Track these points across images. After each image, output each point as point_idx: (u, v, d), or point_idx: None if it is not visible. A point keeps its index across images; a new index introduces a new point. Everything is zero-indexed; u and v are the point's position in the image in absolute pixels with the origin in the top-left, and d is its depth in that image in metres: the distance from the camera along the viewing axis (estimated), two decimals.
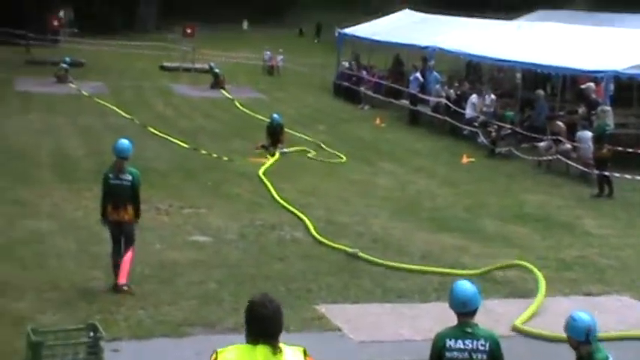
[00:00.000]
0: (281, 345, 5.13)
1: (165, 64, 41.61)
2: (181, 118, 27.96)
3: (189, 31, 40.57)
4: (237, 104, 31.72)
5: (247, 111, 29.97)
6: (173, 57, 42.10)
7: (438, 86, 30.08)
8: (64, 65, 34.01)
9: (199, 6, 59.71)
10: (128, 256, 11.66)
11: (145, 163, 19.66)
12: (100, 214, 11.98)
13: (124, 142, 11.84)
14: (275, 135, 23.31)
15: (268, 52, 44.86)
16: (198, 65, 39.21)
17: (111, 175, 11.73)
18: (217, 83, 35.74)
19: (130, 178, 11.72)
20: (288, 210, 16.65)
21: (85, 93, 31.05)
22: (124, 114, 27.31)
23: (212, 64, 37.62)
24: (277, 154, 22.40)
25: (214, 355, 5.12)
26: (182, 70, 39.74)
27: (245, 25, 64.52)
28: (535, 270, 12.73)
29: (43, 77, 33.61)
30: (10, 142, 21.02)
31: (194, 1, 61.39)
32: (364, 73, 35.27)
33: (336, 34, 39.39)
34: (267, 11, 68.08)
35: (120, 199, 11.71)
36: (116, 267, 11.65)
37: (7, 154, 19.31)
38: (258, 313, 5.14)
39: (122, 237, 11.73)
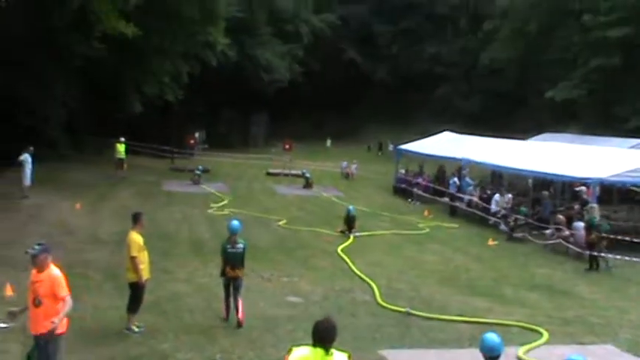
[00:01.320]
0: (332, 350, 5.71)
1: (270, 170, 42.26)
2: (281, 209, 28.29)
3: (287, 146, 41.40)
4: (335, 199, 32.20)
5: (342, 202, 30.16)
6: (275, 165, 42.80)
7: (470, 188, 29.98)
8: (198, 172, 34.73)
9: (295, 127, 61.14)
10: (241, 302, 12.38)
11: (254, 242, 19.95)
12: (220, 273, 12.64)
13: (235, 223, 12.77)
14: (350, 222, 23.44)
15: (345, 163, 45.22)
16: (294, 171, 39.80)
17: (228, 246, 12.50)
18: (308, 184, 36.16)
19: (241, 247, 12.51)
20: (360, 278, 16.68)
21: (212, 191, 31.67)
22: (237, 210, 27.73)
23: (304, 171, 38.06)
24: (352, 237, 22.51)
25: (290, 348, 5.79)
26: (282, 175, 40.36)
27: (329, 142, 65.28)
28: (539, 329, 12.66)
29: (183, 180, 34.54)
30: (158, 227, 21.46)
31: (291, 123, 62.92)
32: (420, 179, 35.25)
33: (390, 148, 39.50)
34: (345, 132, 69.09)
35: (235, 262, 12.42)
36: (228, 307, 12.47)
37: (157, 236, 19.70)
38: (319, 325, 5.82)
39: (232, 288, 12.43)
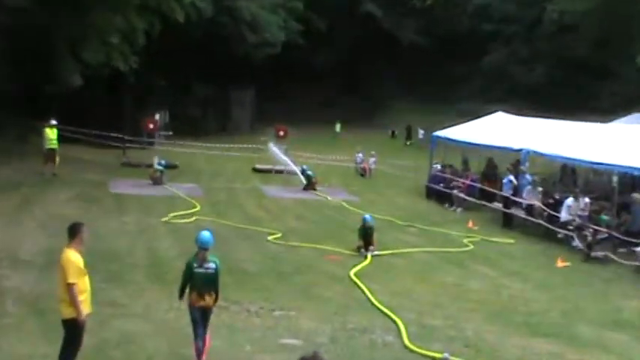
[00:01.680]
0: None
1: (258, 166, 42.28)
2: (273, 219, 28.26)
3: (281, 133, 41.36)
4: (345, 205, 32.28)
5: (356, 209, 30.23)
6: (265, 159, 42.84)
7: (530, 188, 29.89)
8: (159, 167, 34.74)
9: (291, 108, 61.16)
10: (209, 339, 12.67)
11: (237, 265, 20.03)
12: (179, 296, 12.85)
13: (206, 234, 12.78)
14: (367, 237, 23.41)
15: (360, 155, 45.30)
16: (290, 167, 39.76)
17: (195, 264, 12.58)
18: (309, 185, 36.18)
19: (213, 266, 12.65)
20: (381, 312, 16.64)
21: (180, 194, 31.68)
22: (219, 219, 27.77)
23: (304, 167, 38.08)
24: (369, 257, 22.46)
25: None
26: (274, 172, 40.33)
27: (338, 127, 65.29)
28: None
29: (139, 179, 34.52)
30: (105, 244, 21.42)
31: (286, 102, 62.94)
32: (463, 177, 35.19)
33: (421, 136, 39.49)
34: (360, 114, 69.07)
35: (204, 287, 12.55)
36: (199, 355, 12.43)
37: (101, 255, 19.70)
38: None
39: (203, 320, 12.59)
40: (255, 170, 41.80)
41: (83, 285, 11.41)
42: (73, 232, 11.55)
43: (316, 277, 19.99)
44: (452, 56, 71.42)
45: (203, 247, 12.61)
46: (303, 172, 37.42)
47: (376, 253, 22.94)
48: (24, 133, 38.24)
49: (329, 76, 70.35)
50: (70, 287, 11.20)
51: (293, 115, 55.63)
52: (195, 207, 28.90)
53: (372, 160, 44.86)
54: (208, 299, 12.58)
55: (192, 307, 12.63)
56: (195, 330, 12.61)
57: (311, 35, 66.08)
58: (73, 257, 11.32)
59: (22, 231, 22.67)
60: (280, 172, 39.68)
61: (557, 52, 64.68)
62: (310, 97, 69.63)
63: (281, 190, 35.91)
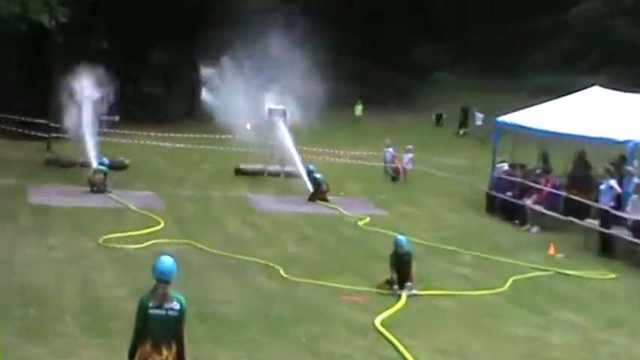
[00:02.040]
0: None
1: (242, 166, 42.30)
2: (265, 242, 28.24)
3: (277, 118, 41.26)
4: (369, 222, 32.38)
5: (384, 231, 30.22)
6: (253, 156, 42.84)
7: (636, 197, 29.77)
8: (101, 168, 34.72)
9: (290, 83, 60.97)
10: None
11: (213, 308, 19.99)
12: (129, 355, 12.43)
13: (167, 261, 12.48)
14: (402, 267, 23.23)
15: (390, 150, 45.20)
16: (288, 167, 39.77)
17: (150, 304, 12.26)
18: (318, 193, 36.14)
19: (177, 307, 12.35)
20: None
21: (131, 207, 31.71)
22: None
23: (311, 167, 38.03)
24: (404, 297, 22.34)
25: None
26: (266, 175, 40.34)
27: (359, 109, 65.43)
28: None
29: (71, 184, 34.52)
30: (21, 279, 21.38)
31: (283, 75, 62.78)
32: (542, 180, 35.06)
33: (479, 122, 39.38)
34: (390, 92, 69.19)
35: (164, 335, 12.32)
36: None
37: (18, 296, 19.66)
38: None
39: None
40: (240, 172, 41.82)
41: None
42: None
43: (327, 326, 19.89)
44: (524, 11, 71.46)
45: (163, 279, 12.33)
46: (308, 174, 37.39)
47: (414, 292, 22.83)
48: None
49: (347, 40, 70.39)
50: None
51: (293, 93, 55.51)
52: (158, 223, 29.01)
53: (408, 157, 44.81)
54: (166, 353, 12.36)
55: None
56: None
57: None
58: None
59: None
60: (276, 174, 39.71)
61: None
62: (320, 69, 69.68)
63: (277, 200, 35.92)
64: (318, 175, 37.31)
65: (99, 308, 19.91)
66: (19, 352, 15.95)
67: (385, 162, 45.58)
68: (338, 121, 60.34)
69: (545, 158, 37.62)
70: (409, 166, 44.67)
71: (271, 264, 24.99)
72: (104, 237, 26.68)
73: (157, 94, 58.63)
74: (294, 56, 63.38)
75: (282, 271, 24.27)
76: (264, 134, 42.25)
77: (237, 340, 18.10)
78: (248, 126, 43.20)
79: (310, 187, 37.00)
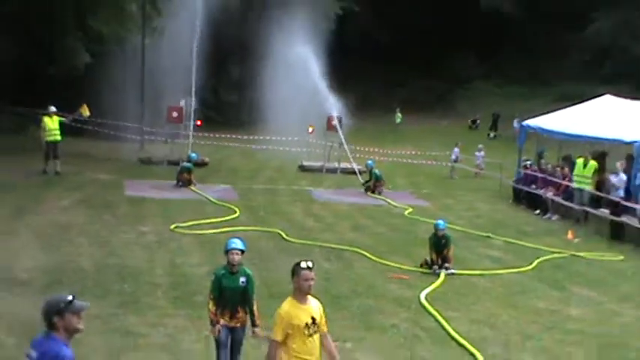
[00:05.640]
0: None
1: (305, 163, 42.35)
2: (325, 229, 28.26)
3: (334, 122, 41.26)
4: (412, 211, 32.15)
5: (425, 219, 30.06)
6: (314, 155, 42.85)
7: None
8: (187, 165, 34.86)
9: (343, 92, 60.83)
10: None
11: (280, 284, 20.01)
12: (210, 321, 12.98)
13: (233, 238, 13.20)
14: (440, 248, 23.22)
15: (456, 150, 45.55)
16: (344, 164, 39.76)
17: (222, 272, 12.88)
18: (376, 187, 36.25)
19: (244, 280, 12.84)
20: (459, 345, 16.54)
21: (210, 198, 31.88)
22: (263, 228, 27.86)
23: (370, 162, 38.06)
24: (443, 275, 22.34)
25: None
26: (325, 172, 40.35)
27: (398, 117, 65.25)
28: None
29: (161, 179, 34.79)
30: (118, 259, 21.57)
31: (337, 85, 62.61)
32: (559, 176, 34.78)
33: (515, 125, 39.30)
34: (429, 99, 68.88)
35: (235, 303, 12.90)
36: None
37: (116, 273, 19.82)
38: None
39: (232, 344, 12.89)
40: (303, 169, 41.88)
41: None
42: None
43: (378, 300, 19.92)
44: (547, 27, 70.86)
45: (231, 248, 12.78)
46: (370, 169, 37.38)
47: (452, 271, 22.80)
48: (23, 124, 38.68)
49: (393, 54, 70.16)
50: None
51: (348, 99, 55.40)
52: (235, 212, 29.20)
53: (480, 155, 44.91)
54: (240, 317, 12.86)
55: (218, 328, 12.76)
56: (220, 354, 12.79)
57: (370, 1, 66.09)
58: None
59: (17, 243, 22.90)
60: (334, 170, 39.71)
61: None
62: (366, 79, 69.53)
63: (334, 193, 35.96)
64: (376, 170, 37.34)
65: (185, 284, 20.05)
66: (117, 321, 16.13)
67: (452, 161, 45.64)
68: (381, 125, 60.16)
69: (566, 158, 37.43)
70: (481, 163, 44.81)
71: (333, 246, 25.10)
72: (189, 223, 26.89)
73: (231, 101, 58.62)
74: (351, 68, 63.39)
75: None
76: (323, 136, 42.31)
77: None
78: (310, 129, 43.28)
79: (361, 180, 37.07)
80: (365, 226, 29.75)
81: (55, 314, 8.10)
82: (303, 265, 10.10)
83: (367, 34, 68.15)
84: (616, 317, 19.92)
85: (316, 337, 10.19)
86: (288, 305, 10.18)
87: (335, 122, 41.52)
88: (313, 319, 10.13)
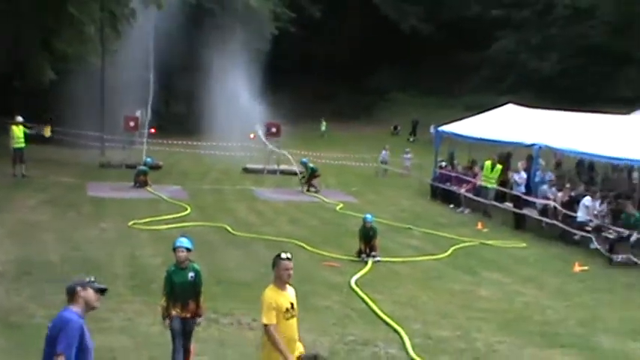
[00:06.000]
0: None
1: (248, 165, 42.33)
2: (266, 224, 28.26)
3: (274, 130, 41.37)
4: (343, 207, 32.14)
5: (354, 213, 30.16)
6: (255, 158, 42.82)
7: (545, 187, 29.90)
8: (142, 168, 34.70)
9: (279, 103, 60.79)
10: (193, 352, 12.92)
11: (229, 275, 20.04)
12: (162, 314, 12.97)
13: (181, 237, 13.12)
14: (368, 239, 23.36)
15: (384, 152, 45.97)
16: (283, 166, 39.77)
17: (172, 269, 12.86)
18: (313, 177, 36.65)
19: (192, 274, 12.79)
20: (384, 323, 16.64)
21: (164, 197, 31.74)
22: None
23: (305, 160, 38.30)
24: (370, 263, 22.45)
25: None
26: (266, 173, 40.34)
27: (323, 126, 65.44)
28: None
29: (119, 181, 34.57)
30: (82, 252, 21.41)
31: (274, 97, 62.59)
32: (470, 175, 35.12)
33: (432, 131, 39.66)
34: (355, 109, 69.08)
35: (185, 296, 12.81)
36: None
37: (79, 265, 19.65)
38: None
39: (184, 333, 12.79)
40: (246, 170, 41.85)
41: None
42: None
43: (314, 286, 19.94)
44: (458, 45, 71.57)
45: (178, 247, 12.75)
46: (304, 164, 37.59)
47: (378, 259, 22.93)
48: None
49: (323, 68, 70.25)
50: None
51: (280, 111, 55.36)
52: (185, 210, 29.13)
53: (408, 157, 45.31)
54: (190, 309, 12.79)
55: (171, 320, 12.77)
56: (175, 345, 12.76)
57: (304, 23, 66.11)
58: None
59: None
60: (273, 172, 39.72)
61: (571, 38, 64.81)
62: (299, 91, 69.57)
63: (273, 192, 35.98)
64: (311, 164, 37.61)
65: (142, 274, 19.95)
66: None
67: (381, 162, 45.89)
68: (311, 132, 60.22)
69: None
70: (409, 165, 45.13)
71: (273, 238, 25.13)
72: (145, 220, 26.77)
73: (179, 112, 58.42)
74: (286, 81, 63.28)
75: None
76: (263, 142, 42.35)
77: (245, 297, 18.09)
78: (252, 136, 43.28)
79: (299, 173, 37.50)
80: (301, 220, 29.78)
81: (80, 285, 8.62)
82: (283, 256, 10.24)
83: (301, 51, 68.18)
84: (519, 296, 20.16)
85: (294, 320, 10.42)
86: (270, 292, 10.33)
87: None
88: (292, 304, 10.35)
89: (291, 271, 10.27)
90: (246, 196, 34.43)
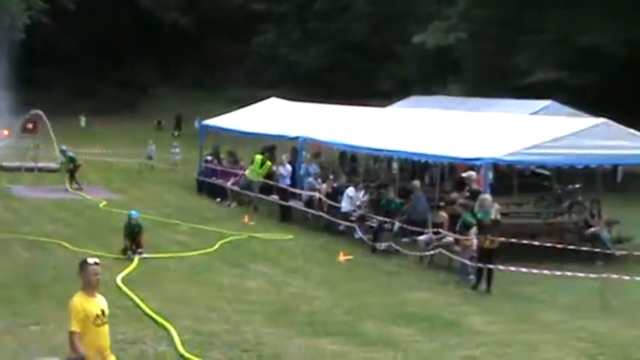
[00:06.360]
0: None
1: (4, 163, 41.00)
2: (24, 222, 27.42)
3: (30, 126, 40.21)
4: (108, 204, 31.52)
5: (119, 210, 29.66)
6: (12, 155, 41.54)
7: (311, 179, 30.42)
8: None
9: (33, 98, 58.93)
10: None
11: None
12: None
13: None
14: (134, 235, 23.07)
15: (152, 147, 45.63)
16: (42, 164, 38.77)
17: None
18: (75, 168, 35.98)
19: None
20: (153, 320, 16.47)
21: None
22: None
23: (64, 148, 37.41)
24: (136, 260, 22.19)
25: None
26: (24, 170, 39.19)
27: (83, 122, 64.34)
28: None
29: None
30: None
31: (26, 92, 60.33)
32: (236, 168, 35.31)
33: (197, 125, 39.64)
34: (116, 104, 68.09)
35: None
36: None
37: None
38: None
39: None
40: (2, 168, 40.50)
41: None
42: None
43: (76, 285, 19.47)
44: (221, 38, 71.78)
45: None
46: (63, 152, 36.82)
47: (144, 255, 22.69)
48: None
49: (82, 63, 68.72)
50: None
51: (39, 104, 53.81)
52: None
53: (176, 151, 45.31)
54: None
55: None
56: None
57: (59, 16, 64.39)
58: None
59: None
60: (31, 170, 38.62)
61: (332, 33, 66.33)
62: (56, 87, 67.89)
63: (32, 189, 35.01)
64: (70, 154, 36.99)
65: None
66: None
67: (148, 157, 45.71)
68: (70, 128, 58.86)
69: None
70: (178, 160, 45.05)
71: (31, 238, 24.40)
72: None
73: None
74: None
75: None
76: (21, 138, 41.13)
77: (6, 300, 17.58)
78: (6, 132, 41.88)
79: (60, 165, 37.26)
80: (63, 218, 29.14)
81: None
82: (90, 261, 10.14)
83: (57, 45, 66.32)
84: (286, 287, 20.46)
85: (105, 327, 10.13)
86: (79, 298, 10.10)
87: (30, 126, 40.61)
88: (102, 311, 10.09)
89: (100, 276, 10.12)
90: (2, 195, 33.37)
